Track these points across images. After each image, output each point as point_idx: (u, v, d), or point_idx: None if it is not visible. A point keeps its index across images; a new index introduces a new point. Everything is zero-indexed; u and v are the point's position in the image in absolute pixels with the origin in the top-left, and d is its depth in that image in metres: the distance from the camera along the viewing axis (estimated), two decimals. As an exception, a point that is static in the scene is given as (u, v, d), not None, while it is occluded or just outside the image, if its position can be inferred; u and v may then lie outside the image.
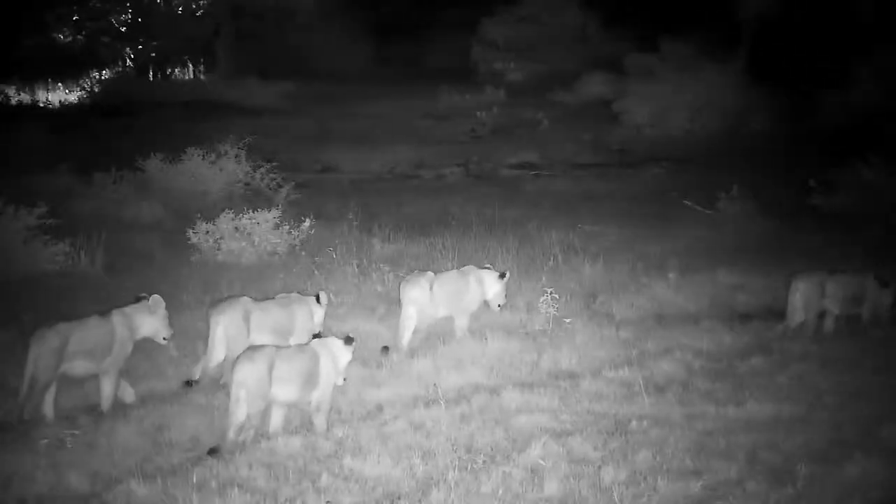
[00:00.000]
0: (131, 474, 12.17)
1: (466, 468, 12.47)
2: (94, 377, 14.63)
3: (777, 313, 19.81)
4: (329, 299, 16.95)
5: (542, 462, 12.55)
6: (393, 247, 23.88)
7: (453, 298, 17.76)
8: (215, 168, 28.54)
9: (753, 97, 40.84)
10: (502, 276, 18.10)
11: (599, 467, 12.42)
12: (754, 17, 46.80)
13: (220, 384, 15.24)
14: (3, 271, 20.89)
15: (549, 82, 51.14)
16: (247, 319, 15.56)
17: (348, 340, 13.95)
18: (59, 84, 53.88)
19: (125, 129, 39.99)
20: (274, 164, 30.09)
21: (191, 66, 59.15)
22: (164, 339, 15.41)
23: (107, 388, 14.79)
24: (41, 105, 50.35)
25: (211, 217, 23.33)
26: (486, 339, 17.34)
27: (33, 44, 53.83)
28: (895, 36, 36.66)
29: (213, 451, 12.82)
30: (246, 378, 13.08)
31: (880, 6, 38.46)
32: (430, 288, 17.46)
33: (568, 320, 18.34)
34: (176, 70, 58.09)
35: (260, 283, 20.94)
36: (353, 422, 13.94)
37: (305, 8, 58.05)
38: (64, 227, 22.61)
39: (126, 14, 56.20)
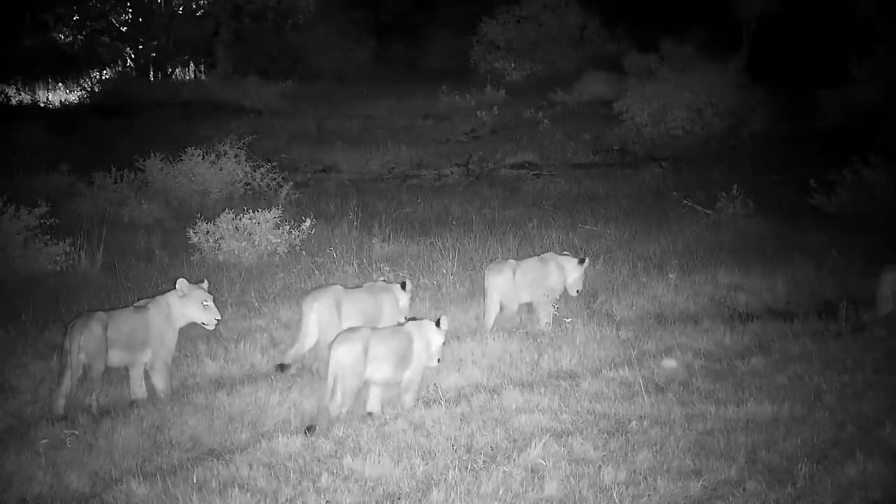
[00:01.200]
0: (131, 474, 12.20)
1: (467, 468, 12.49)
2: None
3: (777, 313, 19.91)
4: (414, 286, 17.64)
5: (542, 462, 12.58)
6: (393, 247, 23.87)
7: (535, 284, 18.25)
8: (215, 168, 28.56)
9: (753, 97, 40.82)
10: (581, 261, 18.69)
11: (599, 467, 12.44)
12: (754, 17, 46.89)
13: (312, 369, 15.80)
14: (3, 271, 20.92)
15: (549, 82, 51.20)
16: (338, 307, 15.90)
17: (439, 323, 14.54)
18: (60, 84, 53.84)
19: (125, 129, 39.94)
20: (274, 163, 30.14)
21: (191, 65, 59.12)
22: (203, 323, 15.36)
23: (159, 382, 15.02)
24: (41, 105, 50.29)
25: (211, 217, 23.35)
26: (486, 339, 17.36)
27: (33, 44, 53.77)
28: (895, 35, 36.64)
29: (309, 429, 13.51)
30: (342, 358, 13.72)
31: (880, 5, 38.41)
32: (514, 275, 18.03)
33: (568, 320, 18.34)
34: (176, 70, 58.03)
35: (261, 282, 21.00)
36: (353, 422, 13.95)
37: (305, 8, 58.01)
38: (64, 226, 22.64)
39: (126, 14, 56.13)
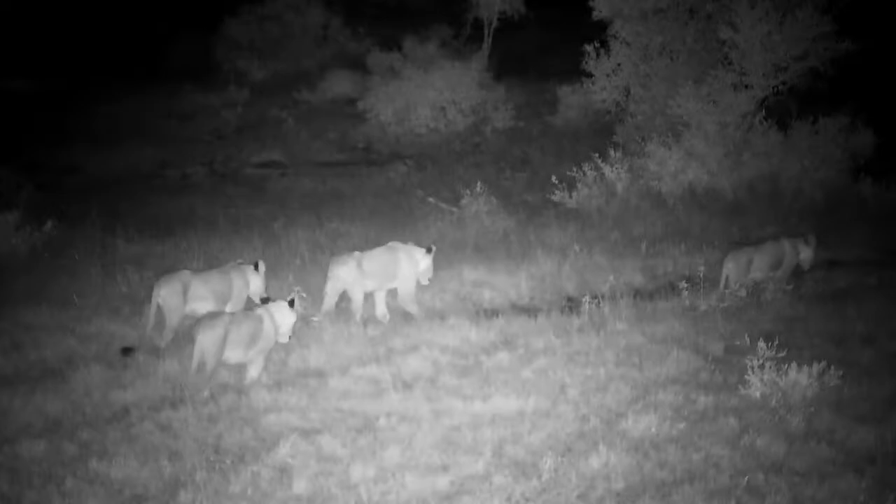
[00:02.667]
0: None
1: (215, 468, 12.43)
2: None
3: (521, 308, 20.24)
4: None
5: (290, 461, 12.60)
6: (138, 247, 23.49)
7: (384, 273, 18.92)
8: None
9: (496, 95, 41.33)
10: (429, 250, 19.39)
11: (348, 465, 12.51)
12: (495, 15, 47.44)
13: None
14: None
15: (294, 81, 51.03)
16: (185, 291, 16.94)
17: (291, 303, 15.62)
18: None
19: None
20: (13, 164, 29.36)
21: None
22: None
23: None
24: None
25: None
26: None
27: None
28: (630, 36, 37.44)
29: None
30: (206, 341, 14.69)
31: (616, 6, 39.21)
32: (358, 265, 18.58)
33: (316, 318, 18.37)
34: None
35: (1, 284, 20.50)
36: (99, 424, 13.75)
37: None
38: None
39: None
